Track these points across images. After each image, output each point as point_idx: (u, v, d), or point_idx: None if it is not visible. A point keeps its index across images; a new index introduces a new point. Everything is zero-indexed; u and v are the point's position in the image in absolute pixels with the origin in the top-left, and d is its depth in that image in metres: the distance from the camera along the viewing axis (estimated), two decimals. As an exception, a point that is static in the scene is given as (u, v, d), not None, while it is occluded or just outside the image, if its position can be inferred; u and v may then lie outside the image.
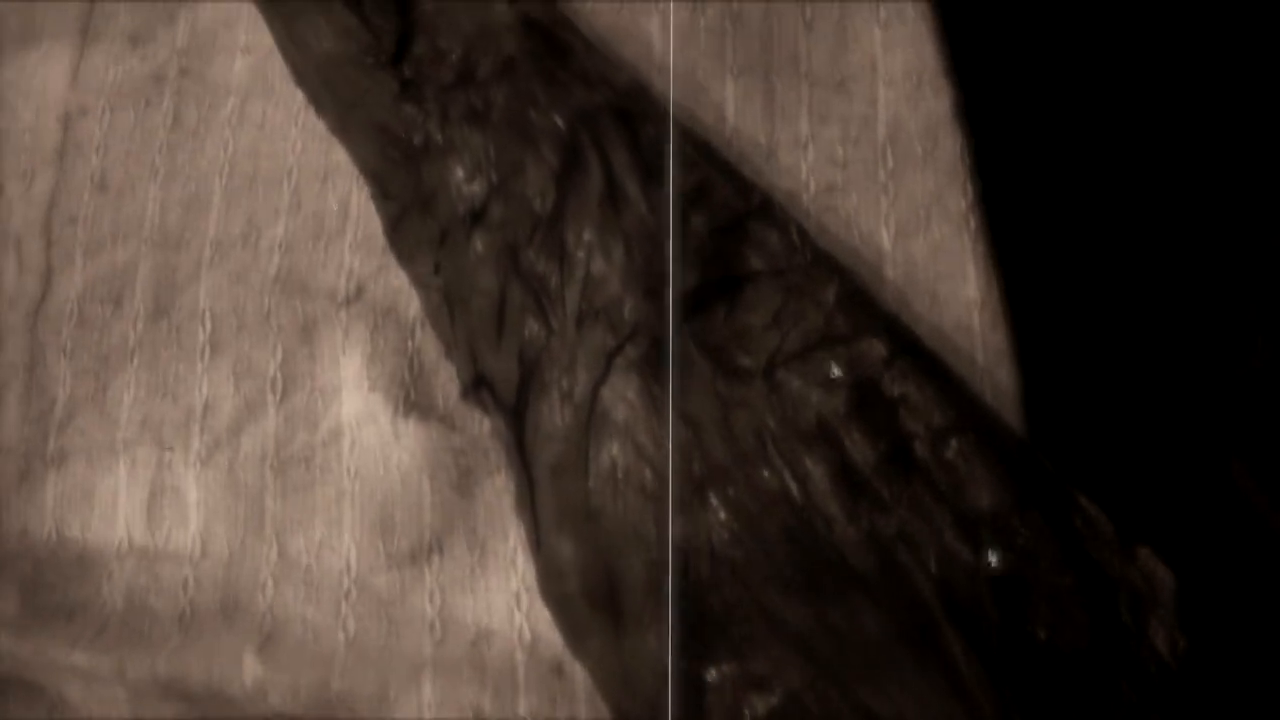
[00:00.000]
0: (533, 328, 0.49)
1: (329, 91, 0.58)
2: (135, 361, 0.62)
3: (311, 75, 0.60)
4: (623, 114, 0.53)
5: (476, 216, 0.51)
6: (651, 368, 0.46)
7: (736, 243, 0.50)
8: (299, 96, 0.66)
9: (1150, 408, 0.70)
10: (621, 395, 0.47)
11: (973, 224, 0.60)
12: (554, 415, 0.47)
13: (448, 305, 0.52)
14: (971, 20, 0.67)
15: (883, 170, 0.61)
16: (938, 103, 0.63)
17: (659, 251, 0.48)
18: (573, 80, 0.54)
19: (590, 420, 0.46)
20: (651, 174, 0.51)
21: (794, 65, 0.64)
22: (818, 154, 0.62)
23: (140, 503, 0.59)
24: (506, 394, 0.49)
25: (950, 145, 0.61)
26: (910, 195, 0.60)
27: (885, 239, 0.60)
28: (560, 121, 0.52)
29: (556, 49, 0.55)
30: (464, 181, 0.52)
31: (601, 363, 0.47)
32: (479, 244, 0.51)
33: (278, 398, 0.59)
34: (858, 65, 0.64)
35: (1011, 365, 0.56)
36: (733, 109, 0.63)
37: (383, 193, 0.55)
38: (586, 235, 0.50)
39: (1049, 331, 0.62)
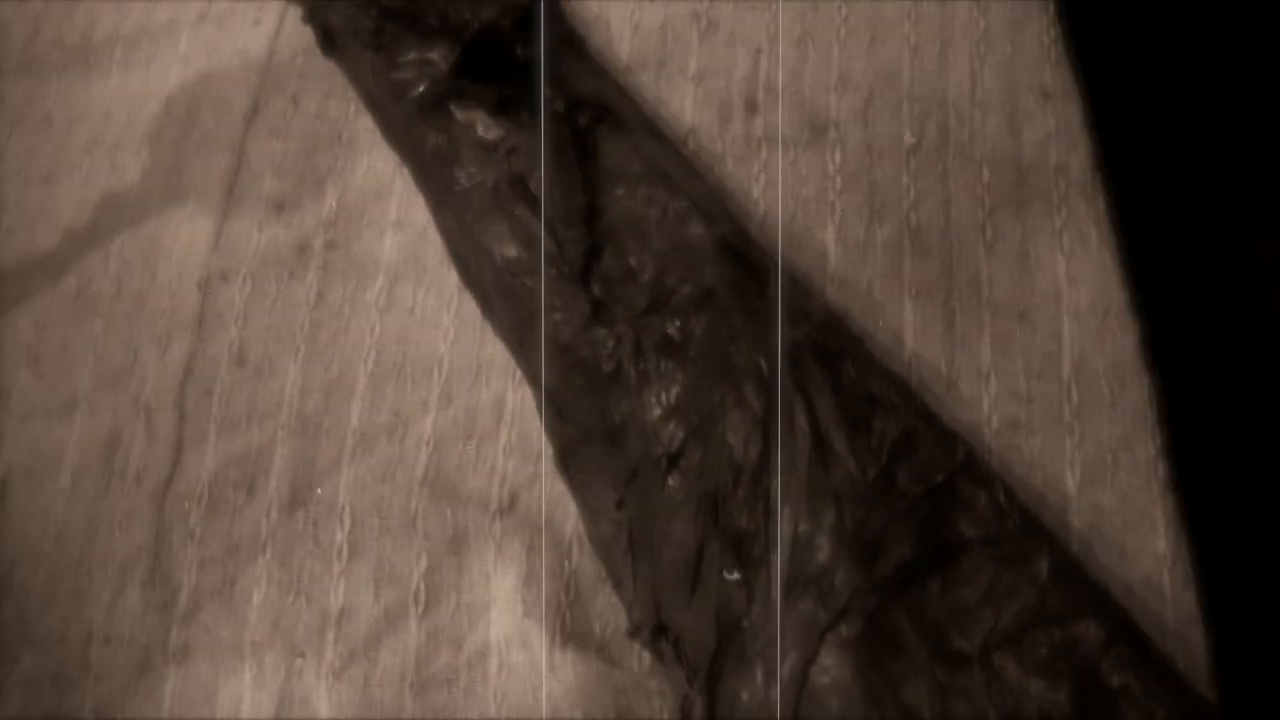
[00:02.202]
0: (732, 590, 0.48)
1: (506, 299, 0.58)
2: (267, 555, 0.61)
3: (487, 279, 0.61)
4: (822, 351, 0.54)
5: (673, 459, 0.51)
6: (869, 650, 0.45)
7: (947, 506, 0.49)
8: (452, 280, 0.67)
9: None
10: (835, 679, 0.45)
11: (1161, 474, 0.59)
12: (757, 693, 0.46)
13: (629, 544, 0.51)
14: (1157, 250, 0.67)
15: (1068, 409, 0.61)
16: (1124, 340, 0.63)
17: (872, 516, 0.47)
18: (772, 313, 0.54)
19: (799, 704, 0.45)
20: (857, 424, 0.50)
21: (975, 290, 0.64)
22: (1000, 387, 0.62)
23: (267, 713, 0.57)
24: (697, 656, 0.48)
25: (1138, 388, 0.61)
26: (1096, 439, 0.60)
27: (1070, 484, 0.59)
28: (762, 361, 0.52)
29: (753, 277, 0.55)
30: (660, 420, 0.52)
31: (812, 640, 0.46)
32: (674, 489, 0.51)
33: (420, 610, 0.59)
34: (1041, 294, 0.64)
35: (1203, 629, 0.55)
36: (911, 332, 0.63)
37: (558, 413, 0.55)
38: (793, 491, 0.49)
39: (1242, 594, 0.61)
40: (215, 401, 0.66)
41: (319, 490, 0.62)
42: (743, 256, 0.58)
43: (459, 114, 0.63)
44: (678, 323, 0.55)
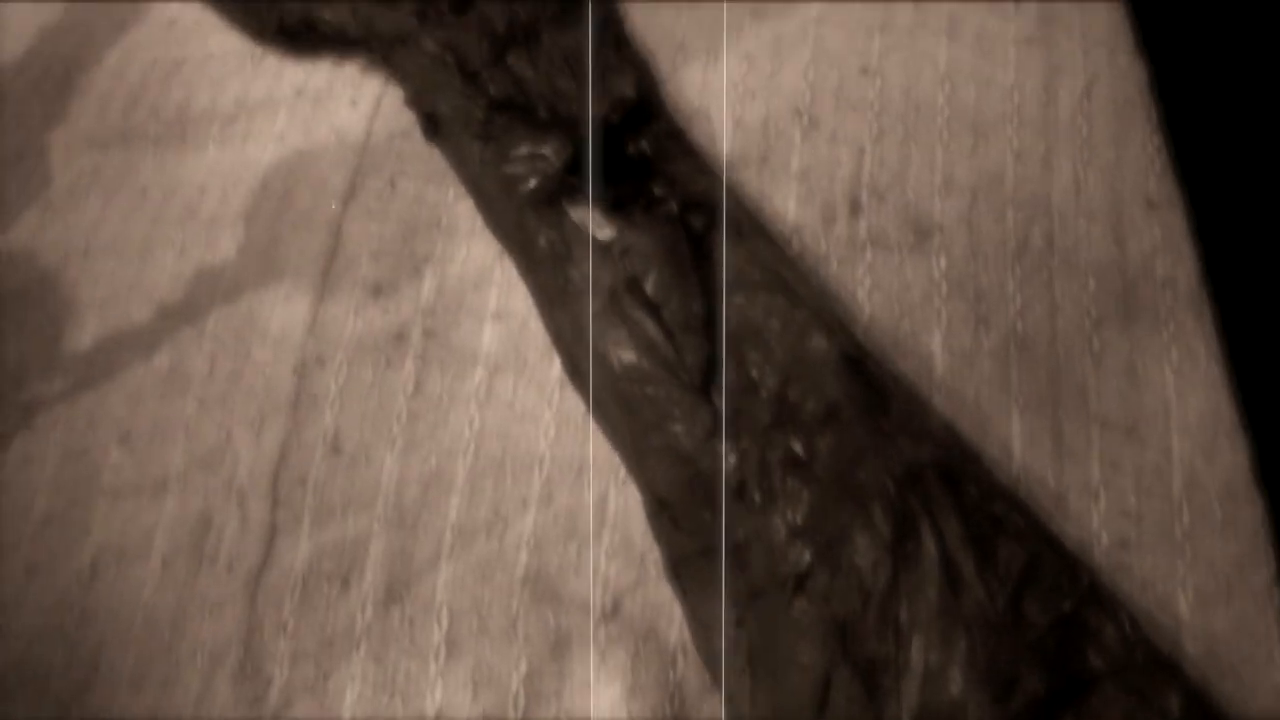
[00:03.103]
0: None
1: (623, 405, 0.58)
2: (361, 651, 0.61)
3: (600, 382, 0.62)
4: (947, 473, 0.55)
5: (800, 581, 0.51)
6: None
7: (1075, 637, 0.49)
8: (553, 375, 0.67)
9: None
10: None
11: (1278, 602, 0.58)
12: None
13: (748, 663, 0.51)
14: (1269, 367, 0.67)
15: (1179, 528, 0.61)
16: (1236, 458, 0.62)
17: (1003, 647, 0.47)
18: (896, 431, 0.54)
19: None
20: (984, 549, 0.50)
21: (1082, 402, 0.64)
22: (1109, 504, 0.62)
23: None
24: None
25: (1251, 511, 0.61)
26: (1209, 561, 0.60)
27: (1183, 607, 0.59)
28: (890, 483, 0.52)
29: (877, 393, 0.56)
30: (786, 540, 0.52)
31: (947, 777, 0.46)
32: (801, 612, 0.51)
33: (519, 715, 0.58)
34: (1150, 409, 0.64)
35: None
36: (1019, 445, 0.63)
37: (674, 523, 0.55)
38: (923, 619, 0.49)
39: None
40: (309, 489, 0.66)
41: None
42: (866, 371, 0.57)
43: (572, 212, 0.63)
44: (803, 440, 0.55)
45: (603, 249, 0.62)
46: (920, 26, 0.78)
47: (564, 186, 0.63)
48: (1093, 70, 0.75)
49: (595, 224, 0.63)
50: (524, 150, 0.64)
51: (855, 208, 0.71)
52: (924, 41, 0.78)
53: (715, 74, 0.77)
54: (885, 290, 0.68)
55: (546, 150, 0.63)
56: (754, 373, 0.57)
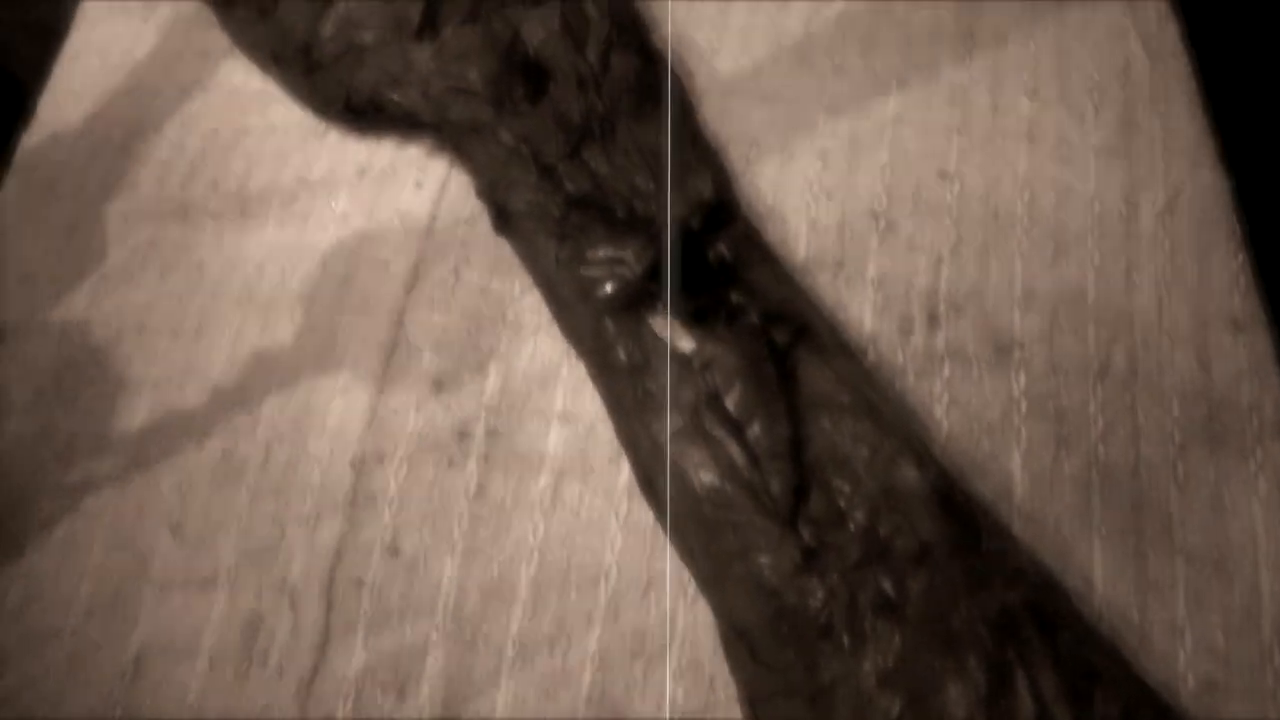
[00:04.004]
0: None
1: (701, 529, 0.57)
2: (417, 769, 0.59)
3: (677, 501, 0.61)
4: (1041, 618, 0.55)
5: (891, 734, 0.49)
6: None
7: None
8: (620, 483, 0.65)
9: None
10: None
11: (1371, 753, 0.56)
12: None
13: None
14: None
15: (1269, 673, 0.59)
16: (1328, 600, 0.60)
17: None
18: (988, 571, 0.53)
19: None
20: (1080, 700, 0.48)
21: (1166, 533, 0.63)
22: (1195, 643, 0.60)
23: None
24: None
25: (1345, 656, 0.58)
26: (1301, 710, 0.57)
27: (1274, 759, 0.56)
28: (984, 629, 0.50)
29: (968, 529, 0.54)
30: (875, 687, 0.50)
31: None
32: (894, 766, 0.48)
33: (581, 847, 0.56)
34: (1236, 542, 0.62)
35: None
36: (1101, 575, 0.62)
37: (751, 655, 0.54)
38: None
39: None
40: (365, 593, 0.64)
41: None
42: (956, 506, 0.56)
43: (652, 321, 0.61)
44: (894, 579, 0.53)
45: (683, 362, 0.60)
46: (999, 130, 0.77)
47: (643, 293, 0.61)
48: (1174, 183, 0.74)
49: (676, 335, 0.61)
50: (602, 253, 0.63)
51: (933, 319, 0.69)
52: (1003, 146, 0.77)
53: (790, 172, 0.76)
54: (963, 407, 0.67)
55: (626, 254, 0.62)
56: (842, 504, 0.55)
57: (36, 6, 1.12)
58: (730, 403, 0.59)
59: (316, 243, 0.77)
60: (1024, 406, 0.66)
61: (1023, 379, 0.67)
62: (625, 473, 0.66)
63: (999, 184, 0.75)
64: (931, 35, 0.82)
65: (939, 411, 0.66)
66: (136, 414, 0.72)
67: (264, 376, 0.72)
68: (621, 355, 0.61)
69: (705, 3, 0.86)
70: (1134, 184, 0.75)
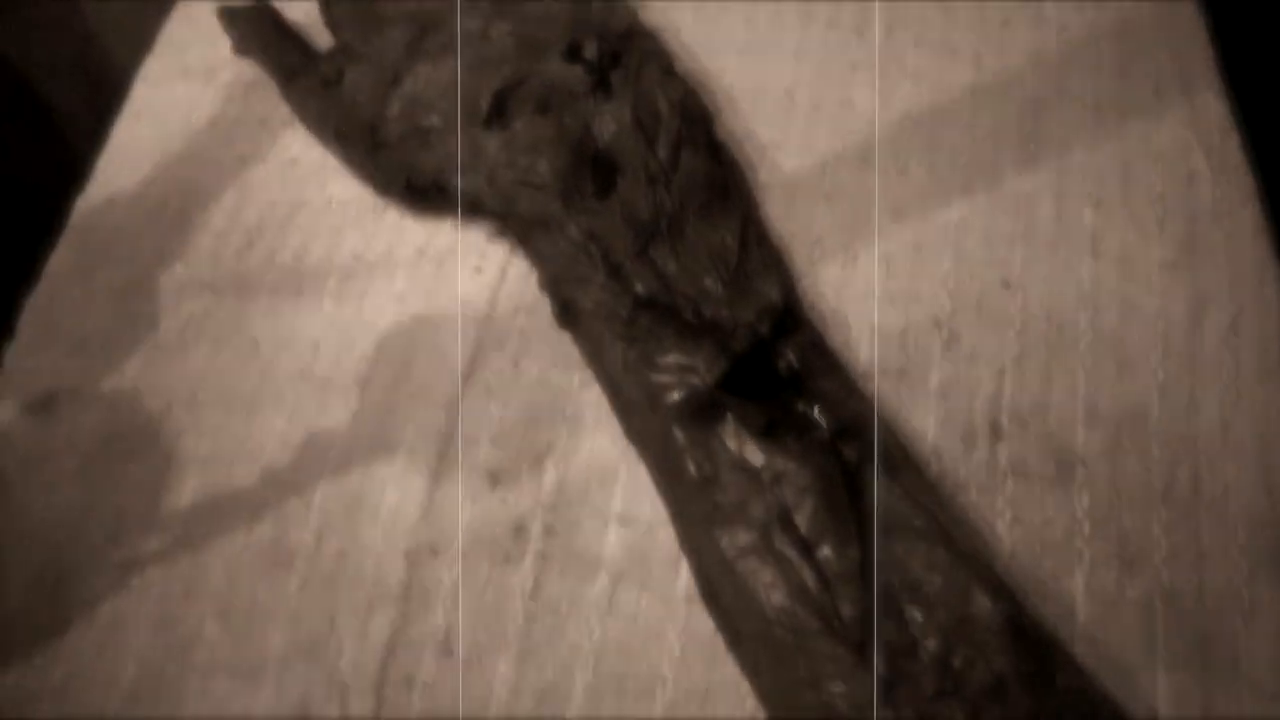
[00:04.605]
0: None
1: (770, 652, 0.57)
2: None
3: (744, 619, 0.61)
4: None
5: None
6: None
7: None
8: (679, 588, 0.65)
9: None
10: None
11: None
12: None
13: None
14: None
15: (1334, 815, 0.58)
16: None
17: None
18: (1064, 709, 0.53)
19: None
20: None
21: (1233, 665, 0.62)
22: (1261, 782, 0.59)
23: None
24: None
25: None
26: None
27: None
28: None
29: (1045, 666, 0.54)
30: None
31: None
32: None
33: None
34: (1304, 678, 0.61)
35: None
36: (1165, 707, 0.62)
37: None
38: None
39: None
40: (417, 691, 0.64)
41: None
42: (1031, 639, 0.55)
43: (722, 432, 0.61)
44: (968, 714, 0.52)
45: (753, 475, 0.60)
46: (1062, 239, 0.77)
47: (714, 403, 0.61)
48: (1239, 301, 0.74)
49: (745, 446, 0.61)
50: (672, 359, 0.63)
51: (996, 432, 0.69)
52: (1066, 256, 0.77)
53: (853, 275, 0.76)
54: (1026, 525, 0.66)
55: (696, 362, 0.62)
56: (915, 632, 0.55)
57: (92, 64, 1.13)
58: (801, 520, 0.58)
59: (373, 324, 0.77)
60: (1087, 528, 0.66)
61: (1086, 498, 0.67)
62: (683, 578, 0.65)
63: (1062, 296, 0.75)
64: (994, 140, 0.82)
65: (1001, 528, 0.66)
66: (185, 491, 0.72)
67: (317, 460, 0.71)
68: (690, 465, 0.61)
69: (768, 97, 0.86)
70: (1198, 301, 0.74)
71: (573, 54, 0.78)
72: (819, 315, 0.74)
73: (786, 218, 0.79)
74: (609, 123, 0.74)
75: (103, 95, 0.96)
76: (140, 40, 0.97)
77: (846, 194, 0.81)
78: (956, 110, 0.85)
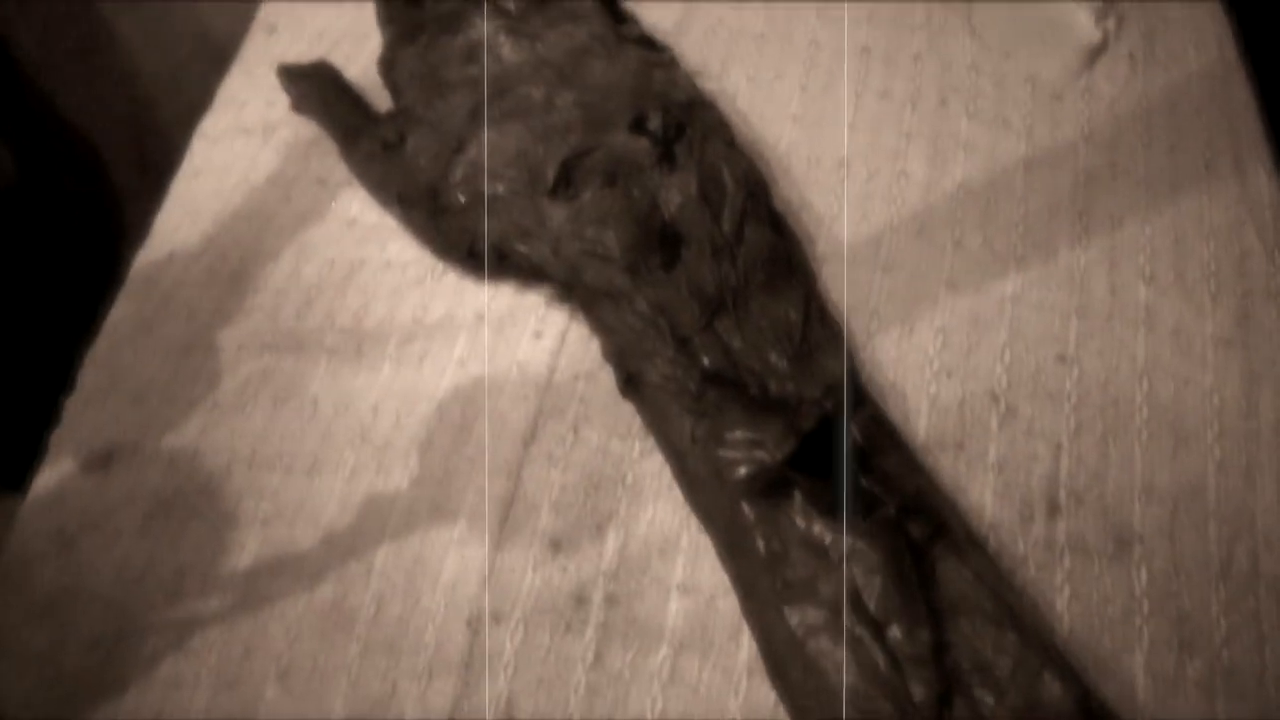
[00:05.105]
0: None
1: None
2: None
3: (815, 702, 0.61)
4: None
5: None
6: None
7: None
8: (741, 659, 0.66)
9: None
10: None
11: None
12: None
13: None
14: None
15: None
16: None
17: None
18: None
19: None
20: None
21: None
22: None
23: None
24: None
25: None
26: None
27: None
28: None
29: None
30: None
31: None
32: None
33: None
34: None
35: None
36: (1224, 789, 0.61)
37: None
38: None
39: None
40: (480, 760, 0.64)
41: None
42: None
43: (790, 509, 0.62)
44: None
45: (821, 553, 0.60)
46: (1117, 315, 0.78)
47: (782, 480, 0.62)
48: (1293, 378, 0.74)
49: (812, 524, 0.61)
50: (739, 434, 0.64)
51: (1053, 508, 0.70)
52: (1121, 331, 0.78)
53: (910, 347, 0.77)
54: (1085, 602, 0.67)
55: (765, 438, 0.63)
56: (985, 715, 0.55)
57: (149, 120, 1.15)
58: (870, 600, 0.59)
59: (433, 387, 0.78)
60: (1145, 606, 0.67)
61: (1144, 575, 0.67)
62: (745, 649, 0.66)
63: (1117, 371, 0.75)
64: (1048, 213, 0.84)
65: (1060, 605, 0.67)
66: (245, 552, 0.72)
67: (378, 523, 0.72)
68: (759, 541, 0.62)
69: (823, 166, 0.87)
70: (1252, 377, 0.75)
71: (638, 125, 0.79)
72: (876, 387, 0.75)
73: (844, 288, 0.80)
74: (674, 195, 0.76)
75: (160, 151, 0.98)
76: (198, 97, 0.99)
77: (903, 265, 0.82)
78: (1010, 182, 0.86)
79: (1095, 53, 0.93)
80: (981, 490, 0.71)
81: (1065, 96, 0.92)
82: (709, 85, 0.92)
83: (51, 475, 0.76)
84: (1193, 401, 0.75)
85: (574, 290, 0.75)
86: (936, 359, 0.77)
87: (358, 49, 1.00)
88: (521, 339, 0.80)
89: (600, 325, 0.74)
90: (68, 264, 1.06)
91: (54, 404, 0.79)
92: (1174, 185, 0.85)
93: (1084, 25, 0.95)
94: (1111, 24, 0.95)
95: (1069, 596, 0.67)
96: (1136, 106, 0.91)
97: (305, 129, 0.94)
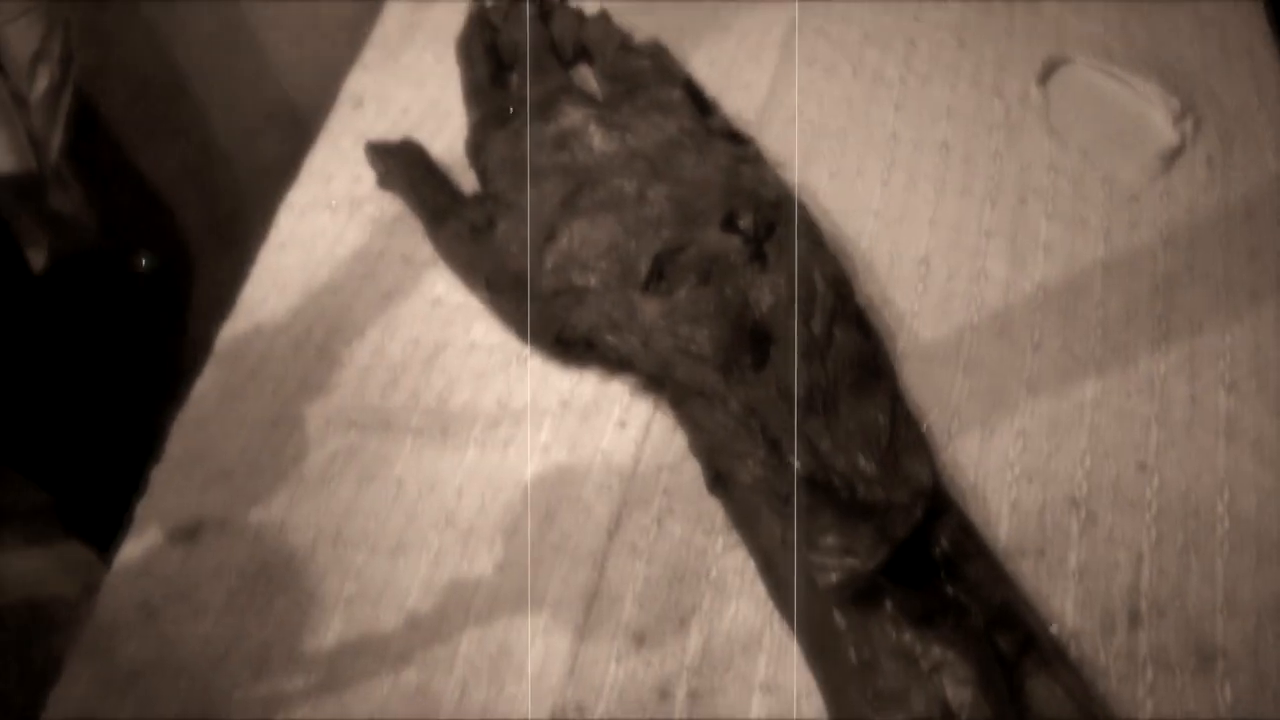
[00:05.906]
0: None
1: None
2: None
3: None
4: None
5: None
6: None
7: None
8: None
9: None
10: None
11: None
12: None
13: None
14: None
15: None
16: None
17: None
18: None
19: None
20: None
21: None
22: None
23: None
24: None
25: None
26: None
27: None
28: None
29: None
30: None
31: None
32: None
33: None
34: None
35: None
36: None
37: None
38: None
39: None
40: None
41: None
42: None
43: (881, 617, 0.63)
44: None
45: (912, 663, 0.62)
46: (1197, 423, 0.79)
47: (874, 588, 0.63)
48: (1376, 493, 0.75)
49: (903, 633, 0.63)
50: (831, 540, 0.65)
51: (1135, 619, 0.71)
52: (1201, 440, 0.79)
53: (990, 449, 0.78)
54: (1168, 717, 0.67)
55: (857, 545, 0.64)
56: None
57: (237, 191, 1.18)
58: (962, 713, 0.60)
59: (518, 473, 0.80)
60: (1230, 722, 0.67)
61: (1228, 691, 0.68)
62: (829, 751, 0.66)
63: (1198, 481, 0.77)
64: (1127, 316, 0.85)
65: (1143, 717, 0.67)
66: (330, 631, 0.74)
67: (462, 608, 0.74)
68: (850, 650, 0.63)
69: (904, 264, 0.89)
70: (1335, 489, 0.76)
71: (729, 223, 0.82)
72: (958, 490, 0.76)
73: (924, 388, 0.82)
74: (766, 295, 0.77)
75: (231, 215, 1.01)
76: (271, 162, 1.02)
77: (983, 366, 0.84)
78: (1088, 284, 0.88)
79: (1173, 155, 0.94)
80: (1063, 598, 0.72)
81: (1143, 198, 0.93)
82: (789, 178, 0.94)
83: (137, 546, 0.78)
84: (1274, 514, 0.76)
85: (663, 385, 0.77)
86: (1017, 463, 0.78)
87: (442, 125, 1.03)
88: (606, 428, 0.82)
89: (690, 422, 0.75)
90: (144, 327, 1.09)
91: (140, 471, 0.81)
92: (1254, 291, 0.87)
93: (1161, 128, 0.97)
94: (1189, 126, 0.96)
95: (1152, 711, 0.68)
96: (1215, 210, 0.92)
97: (391, 205, 0.97)
